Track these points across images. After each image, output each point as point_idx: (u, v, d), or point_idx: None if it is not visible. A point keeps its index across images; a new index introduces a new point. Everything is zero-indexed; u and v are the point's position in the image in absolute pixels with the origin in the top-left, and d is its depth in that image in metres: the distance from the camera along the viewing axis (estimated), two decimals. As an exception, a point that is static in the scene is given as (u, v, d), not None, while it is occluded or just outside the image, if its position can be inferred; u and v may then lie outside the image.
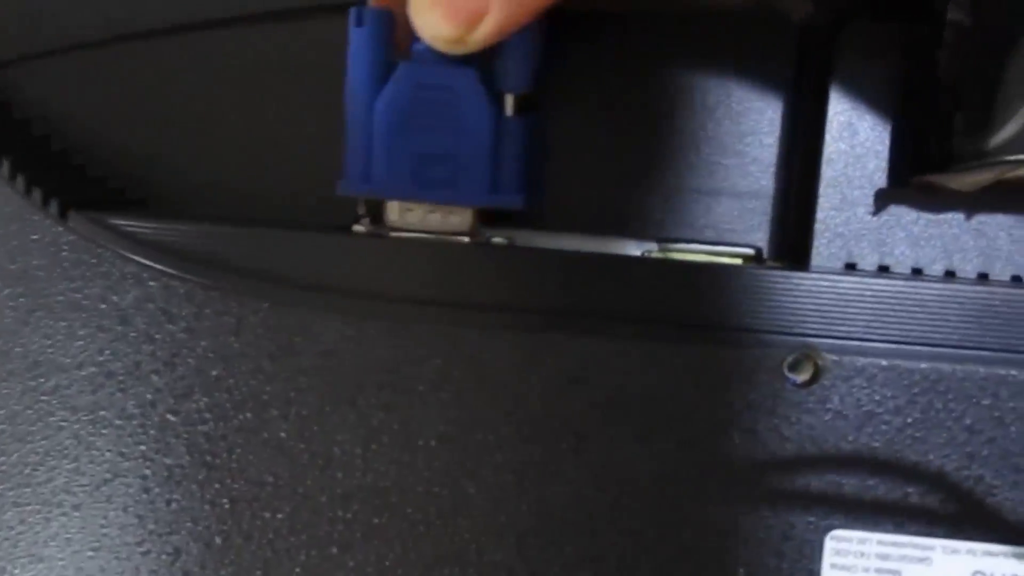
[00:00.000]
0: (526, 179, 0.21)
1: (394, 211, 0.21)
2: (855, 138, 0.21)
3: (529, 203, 0.21)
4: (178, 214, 0.22)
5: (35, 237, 0.21)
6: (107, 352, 0.20)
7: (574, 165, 0.23)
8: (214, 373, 0.20)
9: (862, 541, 0.20)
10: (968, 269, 0.21)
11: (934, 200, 0.21)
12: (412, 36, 0.19)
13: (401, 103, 0.20)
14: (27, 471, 0.21)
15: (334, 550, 0.20)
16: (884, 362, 0.19)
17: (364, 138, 0.21)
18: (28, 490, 0.21)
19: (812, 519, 0.20)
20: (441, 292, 0.20)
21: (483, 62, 0.21)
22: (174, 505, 0.20)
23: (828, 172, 0.22)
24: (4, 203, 0.21)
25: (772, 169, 0.23)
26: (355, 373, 0.20)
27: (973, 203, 0.21)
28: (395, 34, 0.21)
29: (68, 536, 0.21)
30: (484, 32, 0.18)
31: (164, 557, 0.20)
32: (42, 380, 0.21)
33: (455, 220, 0.21)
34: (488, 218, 0.22)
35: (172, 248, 0.20)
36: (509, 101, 0.21)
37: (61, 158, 0.23)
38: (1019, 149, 0.19)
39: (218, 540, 0.20)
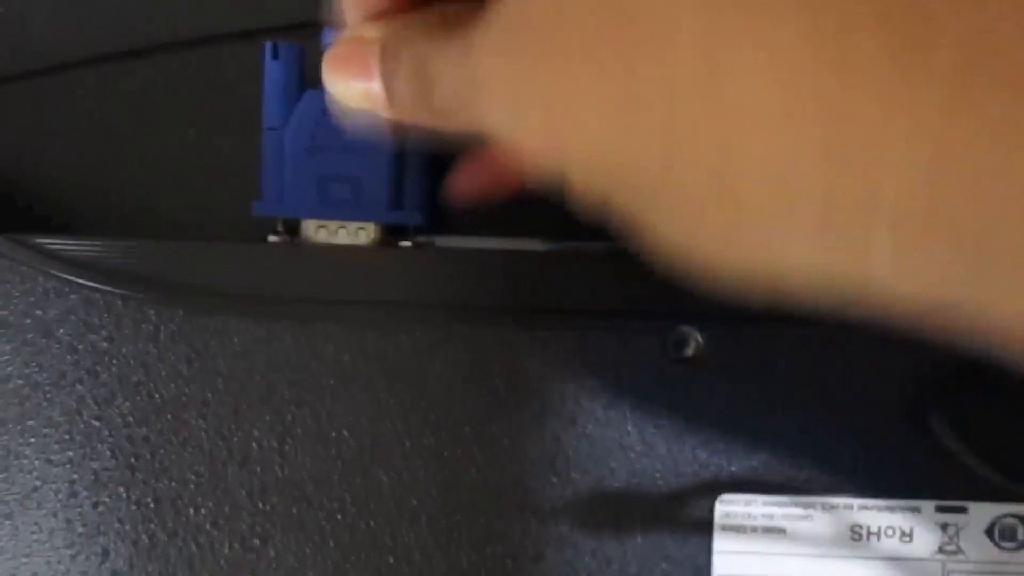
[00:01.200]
0: (426, 196, 0.23)
1: (309, 228, 0.23)
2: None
3: (430, 218, 0.23)
4: (96, 234, 0.23)
5: (-40, 260, 0.22)
6: (32, 364, 0.21)
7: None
8: (135, 379, 0.21)
9: (748, 503, 0.21)
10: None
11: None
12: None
13: (307, 128, 0.22)
14: (-41, 485, 0.22)
15: (256, 542, 0.21)
16: (756, 336, 0.21)
17: (277, 162, 0.23)
18: (-39, 503, 0.22)
19: (702, 485, 0.21)
20: (346, 293, 0.21)
21: None
22: (101, 507, 0.21)
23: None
24: (-70, 229, 0.22)
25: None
26: (268, 372, 0.21)
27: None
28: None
29: (1, 545, 0.22)
30: (381, 119, 0.20)
31: (93, 558, 0.21)
32: (-29, 396, 0.22)
33: (363, 236, 0.23)
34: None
35: (91, 263, 0.21)
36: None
37: (-13, 187, 0.24)
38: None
39: (144, 538, 0.21)
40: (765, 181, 0.12)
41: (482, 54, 0.16)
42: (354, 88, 0.20)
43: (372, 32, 0.20)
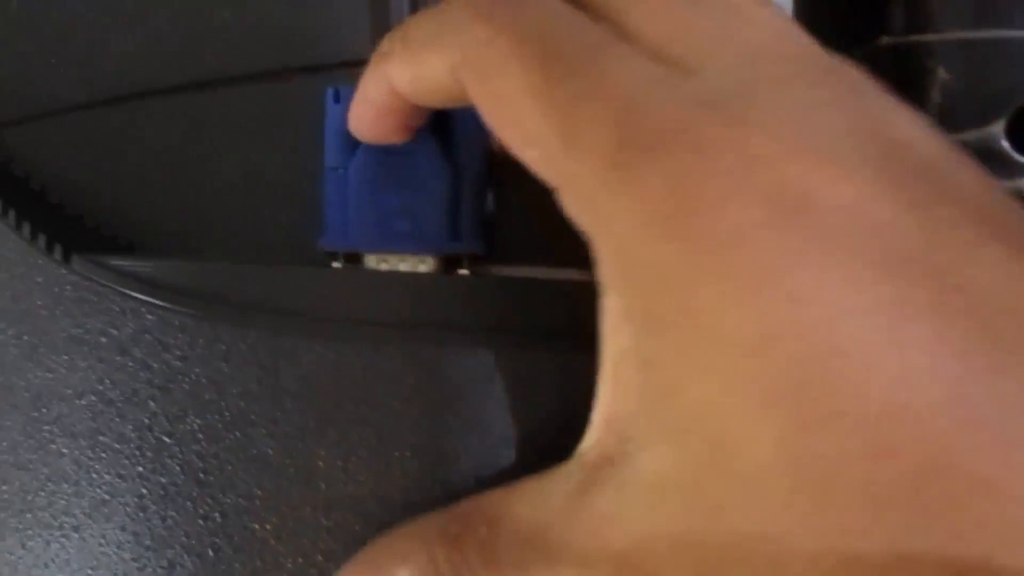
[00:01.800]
0: (483, 227, 0.24)
1: (371, 262, 0.24)
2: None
3: (487, 247, 0.24)
4: (173, 256, 0.24)
5: (39, 279, 0.23)
6: (107, 381, 0.22)
7: (532, 208, 0.26)
8: (206, 397, 0.22)
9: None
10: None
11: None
12: None
13: (370, 167, 0.23)
14: (28, 497, 0.23)
15: (319, 557, 0.22)
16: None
17: (340, 199, 0.24)
18: (29, 515, 0.23)
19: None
20: (408, 317, 0.22)
21: (442, 130, 0.24)
22: (168, 521, 0.22)
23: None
24: (10, 250, 0.23)
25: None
26: (334, 392, 0.22)
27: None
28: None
29: (67, 557, 0.22)
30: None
31: (159, 571, 0.22)
32: (44, 411, 0.23)
33: (422, 267, 0.24)
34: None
35: (167, 284, 0.22)
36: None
37: (59, 210, 0.25)
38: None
39: (210, 552, 0.22)
40: None
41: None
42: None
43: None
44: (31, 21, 0.26)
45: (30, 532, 0.23)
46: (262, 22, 0.26)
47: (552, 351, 0.22)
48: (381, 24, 0.25)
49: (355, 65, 0.26)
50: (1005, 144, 0.19)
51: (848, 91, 0.15)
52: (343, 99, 0.24)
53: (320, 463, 0.22)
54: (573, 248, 0.26)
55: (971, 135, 0.20)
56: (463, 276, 0.24)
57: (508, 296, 0.23)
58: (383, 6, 0.25)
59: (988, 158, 0.20)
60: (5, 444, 0.23)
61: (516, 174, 0.25)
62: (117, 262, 0.22)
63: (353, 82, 0.25)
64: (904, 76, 0.25)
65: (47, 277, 0.22)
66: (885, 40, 0.24)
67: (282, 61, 0.26)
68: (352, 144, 0.24)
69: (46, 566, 0.23)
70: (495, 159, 0.24)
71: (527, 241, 0.25)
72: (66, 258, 0.22)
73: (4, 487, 0.23)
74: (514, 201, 0.25)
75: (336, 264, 0.24)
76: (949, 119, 0.20)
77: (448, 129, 0.24)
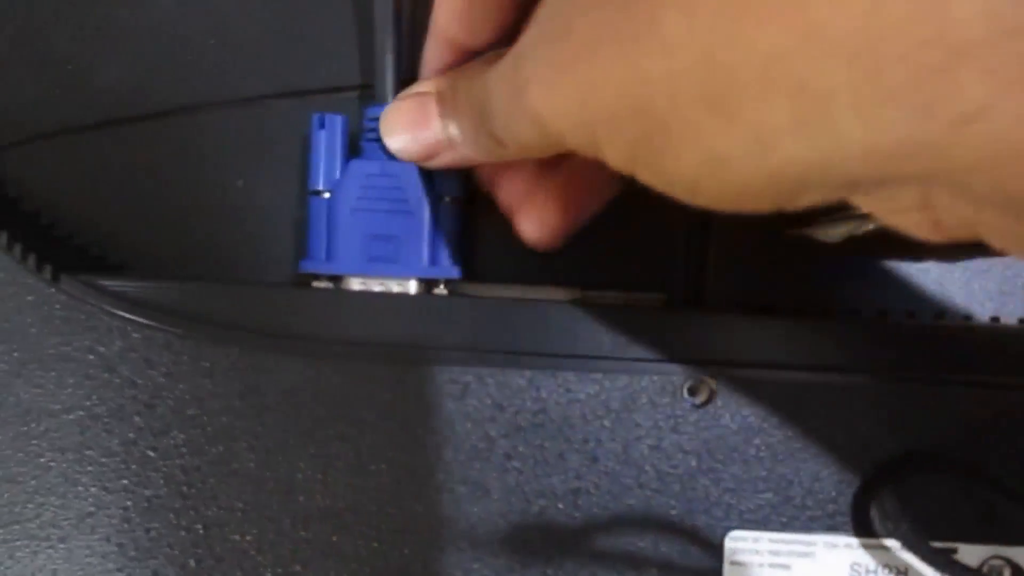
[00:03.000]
0: (462, 251, 0.25)
1: (352, 284, 0.25)
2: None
3: (464, 271, 0.25)
4: (159, 276, 0.25)
5: (29, 298, 0.23)
6: (94, 397, 0.23)
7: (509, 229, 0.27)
8: (190, 412, 0.23)
9: (756, 540, 0.23)
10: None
11: (809, 249, 0.25)
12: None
13: (353, 192, 0.24)
14: (16, 509, 0.23)
15: (297, 567, 0.23)
16: (766, 384, 0.23)
17: (323, 223, 0.25)
18: (17, 527, 0.23)
19: (713, 522, 0.23)
20: (387, 335, 0.23)
21: None
22: (152, 533, 0.23)
23: (718, 225, 0.26)
24: (1, 269, 0.24)
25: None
26: (313, 408, 0.23)
27: (840, 250, 0.25)
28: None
29: (54, 568, 0.23)
30: (440, 163, 0.23)
31: (143, 580, 0.23)
32: (33, 425, 0.23)
33: (402, 290, 0.25)
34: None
35: (153, 304, 0.23)
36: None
37: (48, 231, 0.26)
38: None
39: (192, 563, 0.23)
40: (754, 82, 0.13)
41: (524, 59, 0.18)
42: (415, 138, 0.22)
43: (426, 86, 0.22)
44: (23, 49, 0.27)
45: (18, 543, 0.23)
46: (248, 49, 0.27)
47: (525, 368, 0.23)
48: (366, 51, 0.26)
49: (339, 91, 0.27)
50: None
51: None
52: (328, 125, 0.25)
53: (299, 476, 0.23)
54: (548, 268, 0.27)
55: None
56: (440, 296, 0.25)
57: (484, 315, 0.23)
58: (367, 33, 0.26)
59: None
60: (-5, 458, 0.23)
61: (492, 200, 0.27)
62: (105, 282, 0.23)
63: (337, 108, 0.26)
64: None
65: (37, 296, 0.23)
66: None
67: (267, 87, 0.27)
68: (334, 169, 0.25)
69: (33, 576, 0.23)
70: (476, 187, 0.25)
71: (504, 261, 0.26)
72: (55, 278, 0.23)
73: (-7, 499, 0.23)
74: (495, 224, 0.26)
75: (318, 283, 0.25)
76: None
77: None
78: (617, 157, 0.17)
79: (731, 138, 0.14)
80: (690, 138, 0.15)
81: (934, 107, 0.12)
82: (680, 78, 0.14)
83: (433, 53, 0.23)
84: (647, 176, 0.17)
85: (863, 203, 0.16)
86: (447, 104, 0.22)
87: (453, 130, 0.21)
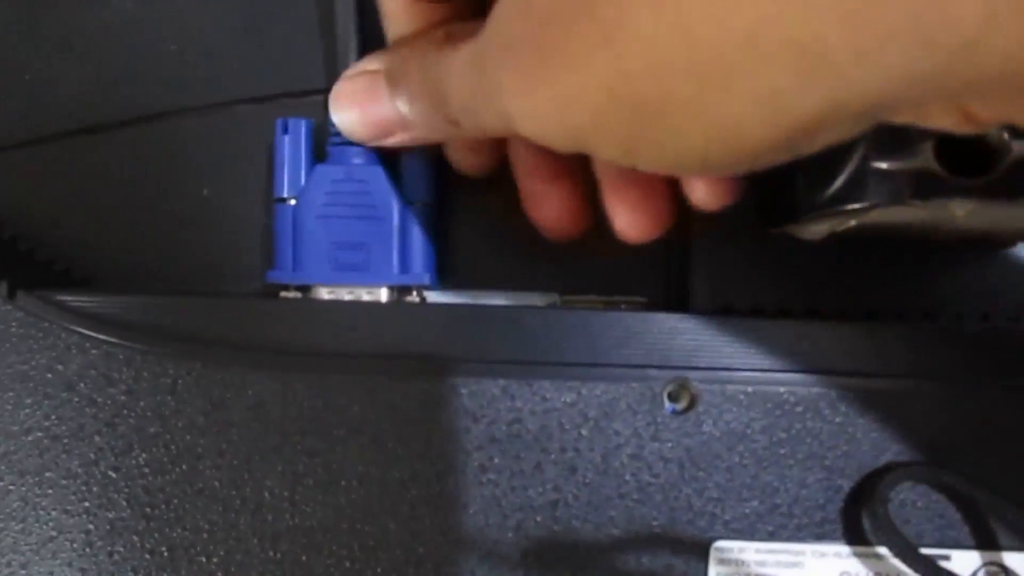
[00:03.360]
0: (433, 257, 0.24)
1: (321, 293, 0.24)
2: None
3: (436, 278, 0.24)
4: (118, 291, 0.24)
5: (-15, 316, 0.23)
6: (52, 417, 0.22)
7: (487, 232, 0.26)
8: (152, 430, 0.22)
9: (741, 550, 0.22)
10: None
11: (791, 247, 0.24)
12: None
13: (318, 199, 0.23)
14: (-24, 535, 0.23)
15: (266, 589, 0.22)
16: (750, 389, 0.22)
17: (289, 232, 0.24)
18: (-23, 553, 0.23)
19: (697, 533, 0.22)
20: (357, 346, 0.22)
21: (390, 161, 0.24)
22: (116, 556, 0.22)
23: (699, 227, 0.25)
24: (-44, 287, 0.23)
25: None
26: (281, 423, 0.22)
27: (824, 250, 0.24)
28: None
29: (16, 594, 0.22)
30: (392, 143, 0.22)
31: (107, 606, 0.22)
32: (-9, 447, 0.22)
33: (371, 298, 0.24)
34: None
35: (112, 319, 0.22)
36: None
37: (10, 245, 0.25)
38: (846, 200, 0.22)
39: (158, 586, 0.22)
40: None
41: (490, 63, 0.17)
42: (365, 116, 0.21)
43: (374, 64, 0.22)
44: (-21, 58, 0.26)
45: (-21, 570, 0.22)
46: (211, 54, 0.26)
47: (500, 376, 0.22)
48: (329, 55, 0.25)
49: (303, 95, 0.26)
50: (936, 165, 0.19)
51: None
52: (292, 130, 0.24)
53: (267, 495, 0.22)
54: (526, 273, 0.26)
55: (905, 159, 0.20)
56: (410, 304, 0.24)
57: (455, 323, 0.23)
58: (331, 37, 0.25)
59: (923, 179, 0.21)
60: (-46, 481, 0.23)
61: (468, 199, 0.26)
62: (62, 297, 0.22)
63: (302, 113, 0.25)
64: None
65: (-7, 313, 0.22)
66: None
67: (232, 93, 0.26)
68: (299, 175, 0.24)
69: (-5, 604, 0.22)
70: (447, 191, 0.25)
71: (481, 266, 0.25)
72: (11, 294, 0.22)
73: (-47, 525, 0.23)
74: (471, 227, 0.26)
75: (286, 293, 0.24)
76: (884, 143, 0.20)
77: (396, 164, 0.24)
78: (612, 153, 0.17)
79: (734, 106, 0.14)
80: (692, 116, 0.15)
81: (934, 41, 0.12)
82: (665, 66, 0.14)
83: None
84: (649, 163, 0.17)
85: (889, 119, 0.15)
86: (398, 83, 0.21)
87: (404, 108, 0.21)
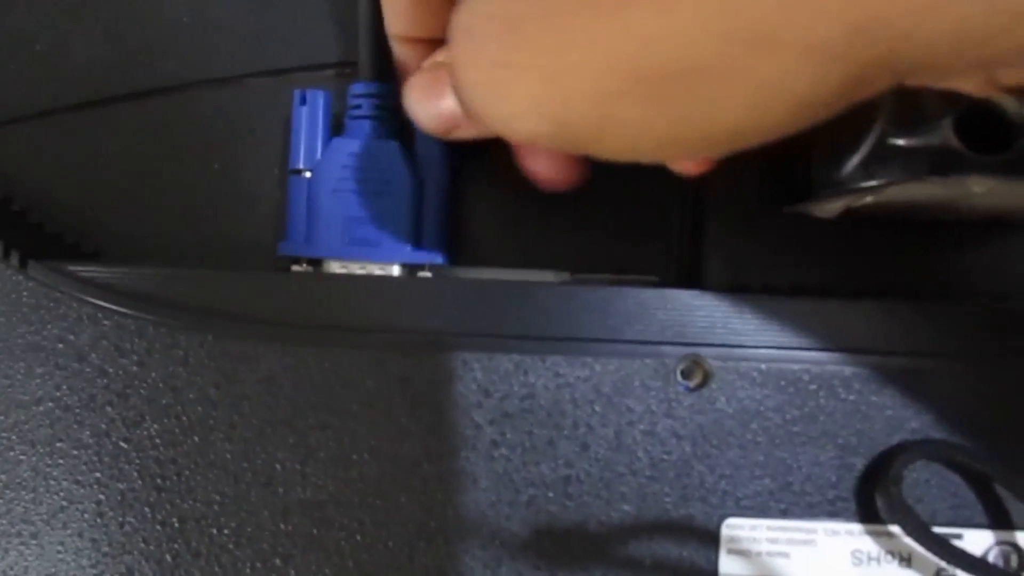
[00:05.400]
0: (446, 234, 0.24)
1: (332, 267, 0.24)
2: (730, 174, 0.24)
3: (448, 255, 0.24)
4: (130, 262, 0.24)
5: (-4, 286, 0.23)
6: (64, 388, 0.22)
7: (500, 210, 0.26)
8: (164, 402, 0.22)
9: (754, 527, 0.22)
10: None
11: (805, 225, 0.24)
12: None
13: (334, 173, 0.23)
14: (-13, 505, 0.23)
15: (277, 562, 0.22)
16: (764, 366, 0.22)
17: (302, 203, 0.24)
18: (-12, 523, 0.23)
19: (709, 509, 0.22)
20: (369, 320, 0.22)
21: (406, 137, 0.24)
22: (127, 527, 0.22)
23: (712, 205, 0.25)
24: (-32, 256, 0.23)
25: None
26: (293, 396, 0.22)
27: (837, 228, 0.24)
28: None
29: (26, 564, 0.22)
30: (459, 137, 0.22)
31: (118, 577, 0.22)
32: (2, 418, 0.22)
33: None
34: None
35: (124, 290, 0.22)
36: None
37: (20, 217, 0.25)
38: (863, 177, 0.22)
39: (168, 558, 0.22)
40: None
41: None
42: (432, 110, 0.21)
43: (443, 55, 0.21)
44: (-9, 28, 0.26)
45: (-11, 540, 0.22)
46: (226, 27, 0.26)
47: (513, 351, 0.22)
48: (348, 27, 0.25)
49: (318, 69, 0.26)
50: (955, 142, 0.19)
51: None
52: (310, 101, 0.24)
53: (279, 467, 0.22)
54: (537, 251, 0.26)
55: (923, 135, 0.20)
56: (424, 279, 0.24)
57: (469, 298, 0.23)
58: (349, 9, 0.25)
59: (941, 155, 0.20)
60: (-36, 452, 0.23)
61: (487, 179, 0.26)
62: (74, 268, 0.22)
63: (317, 85, 0.25)
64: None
65: (4, 284, 0.22)
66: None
67: (246, 66, 0.26)
68: (316, 147, 0.24)
69: (4, 574, 0.22)
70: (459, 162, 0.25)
71: (492, 244, 0.25)
72: (23, 265, 0.22)
73: (-37, 495, 0.23)
74: (483, 205, 0.25)
75: (297, 267, 0.24)
76: (902, 119, 0.20)
77: (411, 140, 0.24)
78: (606, 142, 0.16)
79: (782, 64, 0.13)
80: (731, 81, 0.14)
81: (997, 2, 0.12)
82: (696, 32, 0.13)
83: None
84: (659, 150, 0.16)
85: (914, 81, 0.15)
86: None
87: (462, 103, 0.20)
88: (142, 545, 0.22)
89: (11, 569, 0.22)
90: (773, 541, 0.22)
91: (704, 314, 0.22)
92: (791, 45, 0.13)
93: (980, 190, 0.20)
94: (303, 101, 0.24)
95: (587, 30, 0.14)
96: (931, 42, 0.13)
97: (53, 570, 0.22)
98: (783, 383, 0.22)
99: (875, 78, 0.14)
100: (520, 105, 0.16)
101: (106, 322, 0.22)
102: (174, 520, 0.22)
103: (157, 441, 0.22)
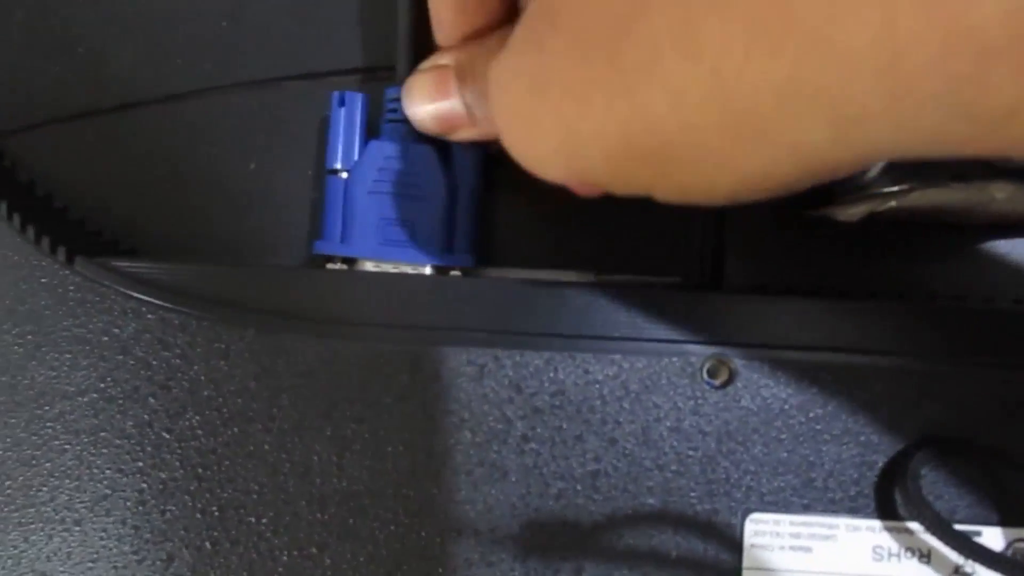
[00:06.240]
0: (476, 238, 0.25)
1: (366, 267, 0.24)
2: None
3: (478, 259, 0.25)
4: (174, 259, 0.25)
5: (43, 280, 0.23)
6: (108, 379, 0.23)
7: (524, 213, 0.26)
8: (205, 394, 0.23)
9: (777, 522, 0.22)
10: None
11: (826, 229, 0.24)
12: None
13: (370, 174, 0.24)
14: (31, 492, 0.23)
15: (313, 550, 0.23)
16: (787, 366, 0.23)
17: (339, 204, 0.24)
18: (32, 510, 0.23)
19: (733, 504, 0.22)
20: (403, 317, 0.23)
21: (441, 144, 0.24)
22: (168, 515, 0.23)
23: (734, 209, 0.25)
24: (15, 252, 0.24)
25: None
26: (330, 390, 0.23)
27: (858, 231, 0.24)
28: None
29: (69, 550, 0.23)
30: (460, 138, 0.22)
31: (158, 563, 0.23)
32: (47, 408, 0.23)
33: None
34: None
35: (168, 286, 0.23)
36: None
37: (62, 214, 0.26)
38: (886, 183, 0.22)
39: (208, 545, 0.23)
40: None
41: (496, 80, 0.18)
42: (434, 110, 0.22)
43: (447, 58, 0.22)
44: (37, 32, 0.27)
45: (33, 526, 0.23)
46: (262, 30, 0.26)
47: (543, 349, 0.23)
48: (384, 31, 0.26)
49: (357, 72, 0.26)
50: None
51: None
52: (348, 103, 0.25)
53: (315, 458, 0.23)
54: (563, 252, 0.27)
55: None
56: (456, 278, 0.24)
57: (501, 296, 0.23)
58: (386, 13, 0.25)
59: (965, 162, 0.21)
60: (9, 440, 0.23)
61: (513, 181, 0.26)
62: (119, 264, 0.23)
63: (352, 88, 0.25)
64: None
65: (51, 279, 0.23)
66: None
67: (283, 69, 0.26)
68: (353, 148, 0.25)
69: (48, 559, 0.23)
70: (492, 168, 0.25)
71: (518, 245, 0.26)
72: (69, 260, 0.23)
73: (8, 482, 0.23)
74: (509, 207, 0.26)
75: (332, 265, 0.25)
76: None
77: (446, 146, 0.25)
78: (623, 191, 0.17)
79: (766, 157, 0.14)
80: (721, 166, 0.15)
81: (973, 109, 0.12)
82: (694, 119, 0.14)
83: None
84: (666, 198, 0.17)
85: None
86: (466, 79, 0.21)
87: (471, 104, 0.21)
88: (182, 533, 0.23)
89: (55, 554, 0.23)
90: (795, 536, 0.22)
91: (730, 315, 0.23)
92: (777, 143, 0.14)
93: (1002, 195, 0.21)
94: (342, 103, 0.25)
95: (602, 106, 0.15)
96: (914, 145, 0.13)
97: (96, 556, 0.23)
98: (806, 382, 0.23)
99: (861, 164, 0.15)
100: (545, 153, 0.17)
101: (150, 316, 0.23)
102: (214, 509, 0.23)
103: (198, 432, 0.23)
